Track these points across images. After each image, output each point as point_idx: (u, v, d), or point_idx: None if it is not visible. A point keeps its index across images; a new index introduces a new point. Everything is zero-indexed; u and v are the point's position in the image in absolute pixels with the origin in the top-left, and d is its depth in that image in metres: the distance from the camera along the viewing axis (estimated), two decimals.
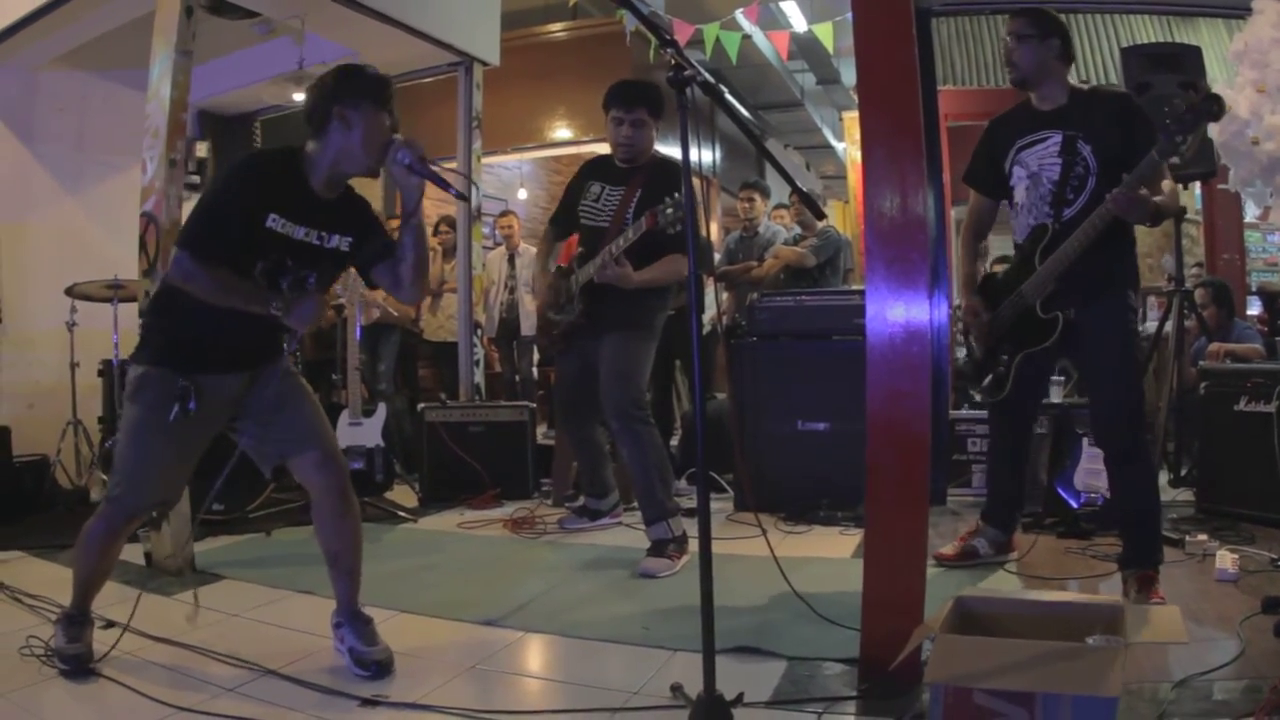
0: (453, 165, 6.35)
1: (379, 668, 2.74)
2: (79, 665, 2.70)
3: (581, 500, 4.99)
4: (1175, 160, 4.56)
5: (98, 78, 6.46)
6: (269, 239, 2.70)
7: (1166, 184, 3.23)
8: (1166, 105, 3.15)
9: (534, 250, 7.96)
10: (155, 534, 3.93)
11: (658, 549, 3.93)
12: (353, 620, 2.84)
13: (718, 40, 7.56)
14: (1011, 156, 3.52)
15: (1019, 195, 3.52)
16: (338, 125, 2.72)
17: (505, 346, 7.96)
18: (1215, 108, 3.04)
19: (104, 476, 5.41)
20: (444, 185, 2.76)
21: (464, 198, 3.02)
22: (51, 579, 3.73)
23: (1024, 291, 3.45)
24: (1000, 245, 6.82)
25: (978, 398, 4.01)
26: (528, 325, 7.72)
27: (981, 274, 3.85)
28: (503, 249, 8.01)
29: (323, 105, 2.75)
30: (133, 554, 3.98)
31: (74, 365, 5.61)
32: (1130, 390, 3.35)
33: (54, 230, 6.31)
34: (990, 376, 3.69)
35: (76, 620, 2.81)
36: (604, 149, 4.42)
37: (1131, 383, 3.38)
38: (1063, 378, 4.67)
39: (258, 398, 2.86)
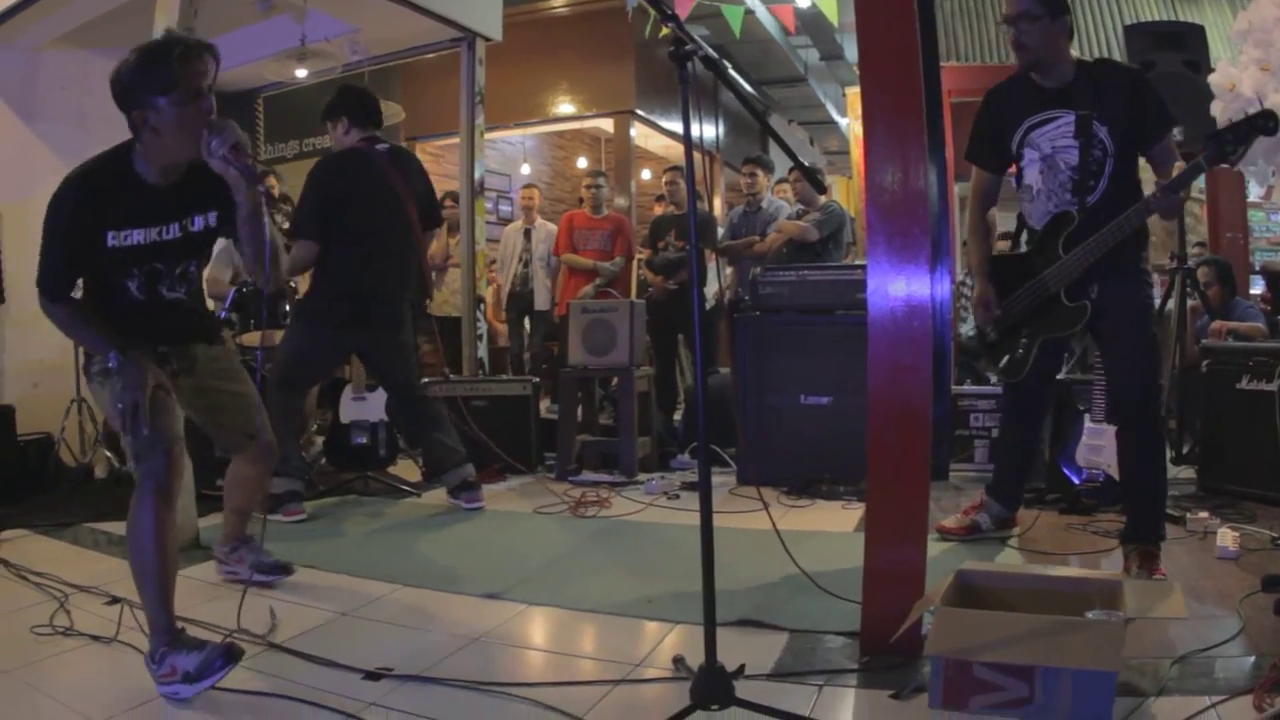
0: (454, 141, 6.33)
1: (282, 567, 3.36)
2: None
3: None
4: (1178, 138, 4.58)
5: (100, 56, 6.40)
6: (119, 255, 2.64)
7: (1178, 165, 3.19)
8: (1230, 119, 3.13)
9: (550, 226, 7.98)
10: None
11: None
12: (245, 542, 3.38)
13: (720, 14, 7.53)
14: (1020, 137, 3.45)
15: (1031, 178, 3.46)
16: (143, 127, 2.56)
17: (516, 320, 7.97)
18: (1271, 123, 2.98)
19: (108, 453, 5.43)
20: (250, 175, 2.56)
21: (254, 184, 2.67)
22: (57, 556, 3.76)
23: (1047, 279, 3.41)
24: (1003, 220, 6.82)
25: (993, 379, 4.00)
26: (541, 300, 7.76)
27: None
28: (520, 222, 8.01)
29: (124, 108, 2.57)
30: None
31: (77, 344, 5.61)
32: (1148, 364, 3.35)
33: None
34: (1008, 358, 3.67)
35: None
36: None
37: (1150, 356, 3.37)
38: (1064, 353, 4.66)
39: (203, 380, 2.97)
